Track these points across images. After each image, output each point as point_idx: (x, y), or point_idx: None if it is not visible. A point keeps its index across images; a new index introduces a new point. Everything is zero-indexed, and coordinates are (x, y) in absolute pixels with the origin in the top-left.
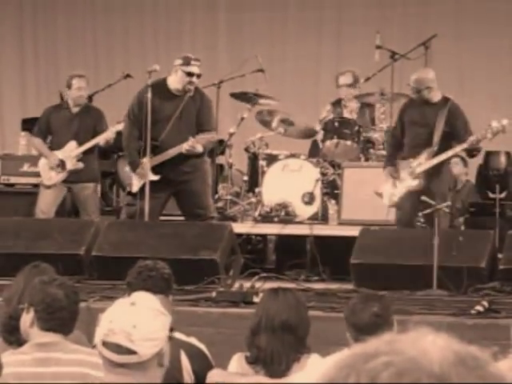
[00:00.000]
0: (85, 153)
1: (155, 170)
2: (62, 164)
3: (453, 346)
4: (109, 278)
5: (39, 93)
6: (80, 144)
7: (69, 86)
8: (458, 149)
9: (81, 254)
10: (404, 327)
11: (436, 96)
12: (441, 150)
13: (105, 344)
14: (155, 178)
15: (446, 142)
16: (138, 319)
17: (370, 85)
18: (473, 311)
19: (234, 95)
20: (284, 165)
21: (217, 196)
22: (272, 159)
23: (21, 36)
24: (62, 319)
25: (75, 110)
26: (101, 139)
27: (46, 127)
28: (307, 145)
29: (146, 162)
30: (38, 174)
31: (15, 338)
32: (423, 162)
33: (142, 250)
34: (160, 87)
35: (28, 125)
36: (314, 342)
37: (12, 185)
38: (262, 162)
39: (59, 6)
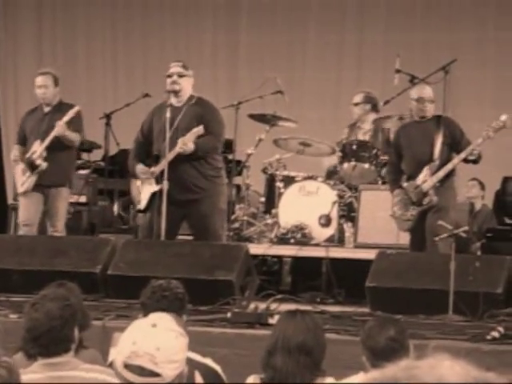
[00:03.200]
0: (56, 154)
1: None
2: (30, 166)
3: (471, 373)
4: (124, 297)
5: None
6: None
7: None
8: (463, 155)
9: (96, 272)
10: (420, 352)
11: (431, 112)
12: (443, 164)
13: (127, 366)
14: (159, 187)
15: (447, 155)
16: (161, 341)
17: (389, 108)
18: (488, 337)
19: (252, 116)
20: (301, 187)
21: (233, 217)
22: (289, 181)
23: (40, 54)
24: (47, 344)
25: (47, 109)
26: (54, 132)
27: (22, 133)
28: (324, 166)
29: (151, 173)
30: None
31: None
32: (428, 179)
33: (157, 270)
34: (163, 104)
35: None
36: (328, 364)
37: None
38: (279, 184)
39: (79, 26)
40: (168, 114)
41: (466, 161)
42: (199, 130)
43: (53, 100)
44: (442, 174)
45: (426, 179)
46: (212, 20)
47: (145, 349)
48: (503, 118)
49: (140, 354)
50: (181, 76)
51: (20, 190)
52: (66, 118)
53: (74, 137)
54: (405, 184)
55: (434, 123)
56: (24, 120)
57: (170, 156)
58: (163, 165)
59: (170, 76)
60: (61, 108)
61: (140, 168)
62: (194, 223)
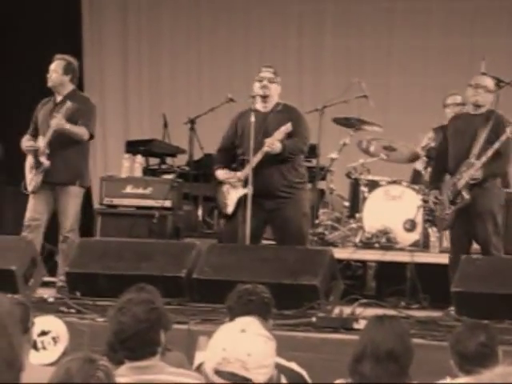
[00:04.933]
0: (61, 150)
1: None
2: (35, 164)
3: None
4: (209, 301)
5: (142, 115)
6: (56, 138)
7: None
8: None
9: (182, 276)
10: (509, 358)
11: (483, 106)
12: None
13: (218, 373)
14: (244, 192)
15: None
16: (251, 347)
17: None
18: None
19: (336, 120)
20: (385, 191)
21: (317, 221)
22: (373, 185)
23: (125, 58)
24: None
25: (58, 98)
26: (52, 127)
27: (34, 124)
28: (409, 171)
29: (237, 177)
30: (141, 196)
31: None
32: (462, 176)
33: (242, 274)
34: (247, 109)
35: (131, 147)
36: (413, 369)
37: (115, 206)
38: (363, 188)
39: (164, 31)
40: (252, 119)
41: None
42: (287, 127)
43: (60, 88)
44: (473, 172)
45: (460, 177)
46: (297, 25)
47: (235, 355)
48: None
49: (231, 361)
50: (271, 82)
51: (29, 187)
52: (64, 110)
53: (79, 131)
54: (445, 182)
55: (484, 118)
56: (38, 110)
57: (256, 158)
58: (249, 169)
59: (260, 80)
60: (72, 99)
61: (225, 173)
62: (278, 228)
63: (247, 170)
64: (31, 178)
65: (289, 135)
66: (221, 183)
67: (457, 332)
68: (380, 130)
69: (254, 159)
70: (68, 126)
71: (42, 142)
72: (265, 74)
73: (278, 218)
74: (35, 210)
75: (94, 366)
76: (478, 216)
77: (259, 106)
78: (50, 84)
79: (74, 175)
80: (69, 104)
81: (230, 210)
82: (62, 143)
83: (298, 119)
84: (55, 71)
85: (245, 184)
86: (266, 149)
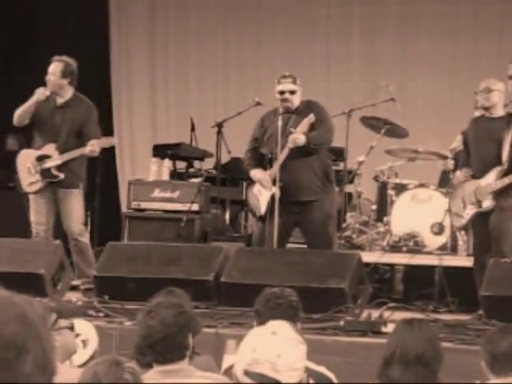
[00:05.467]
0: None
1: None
2: (42, 172)
3: None
4: (237, 305)
5: (169, 118)
6: (61, 144)
7: None
8: None
9: (210, 280)
10: None
11: (500, 109)
12: (510, 169)
13: (248, 374)
14: (273, 190)
15: None
16: (281, 349)
17: None
18: None
19: (364, 120)
20: (413, 194)
21: (345, 225)
22: (401, 189)
23: (152, 63)
24: (162, 351)
25: (60, 101)
26: (85, 152)
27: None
28: (437, 175)
29: (268, 175)
30: (169, 200)
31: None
32: (492, 182)
33: (270, 278)
34: (274, 110)
35: (159, 151)
36: (442, 373)
37: (143, 210)
38: (390, 192)
39: (191, 35)
40: (280, 123)
41: None
42: (310, 118)
43: (60, 91)
44: (507, 181)
45: (489, 182)
46: (324, 29)
47: (265, 356)
48: None
49: (261, 362)
50: (292, 93)
51: (26, 188)
52: (97, 144)
53: (99, 148)
54: (468, 182)
55: (505, 122)
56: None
57: (282, 155)
58: (276, 168)
59: (281, 93)
60: (75, 103)
61: (259, 172)
62: (307, 230)
63: (275, 170)
64: (32, 182)
65: (312, 127)
66: (251, 184)
67: (489, 333)
68: (407, 134)
69: (281, 156)
70: (97, 150)
71: (51, 151)
72: (285, 86)
73: (307, 220)
74: (40, 213)
75: (121, 368)
76: (501, 211)
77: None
78: (49, 89)
79: (76, 179)
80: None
81: (263, 210)
82: (67, 150)
83: (320, 111)
84: (53, 74)
85: (274, 182)
86: (290, 145)
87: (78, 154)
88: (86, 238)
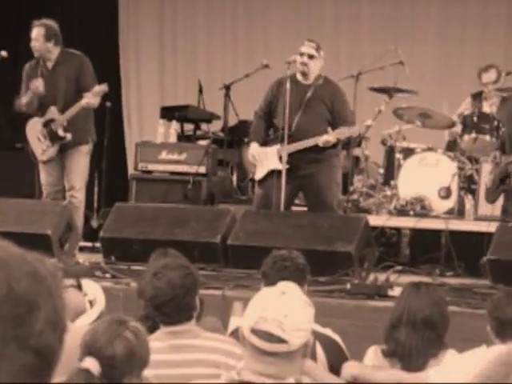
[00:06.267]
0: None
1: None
2: (51, 136)
3: None
4: (243, 267)
5: (177, 81)
6: (62, 105)
7: None
8: None
9: (216, 242)
10: None
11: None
12: None
13: (254, 331)
14: (280, 167)
15: None
16: (289, 309)
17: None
18: None
19: (372, 89)
20: (421, 158)
21: (352, 188)
22: (409, 152)
23: (160, 26)
24: (170, 313)
25: (50, 64)
26: (82, 105)
27: (26, 87)
28: (445, 139)
29: (277, 150)
30: (176, 162)
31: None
32: None
33: (276, 240)
34: (290, 78)
35: (166, 113)
36: (449, 337)
37: (150, 172)
38: (398, 155)
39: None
40: (288, 86)
41: None
42: (354, 132)
43: (47, 54)
44: None
45: None
46: None
47: (273, 315)
48: None
49: (268, 320)
50: (311, 57)
51: (41, 157)
52: (91, 95)
53: (97, 102)
54: (502, 158)
55: None
56: (27, 73)
57: (308, 143)
58: (294, 147)
59: (301, 54)
60: (64, 59)
61: (256, 149)
62: (311, 195)
63: (293, 148)
64: (44, 149)
65: (331, 112)
66: (248, 146)
67: (495, 298)
68: (416, 96)
69: (307, 143)
70: (93, 101)
71: (56, 114)
72: (306, 48)
73: (311, 186)
74: (51, 175)
75: (124, 326)
76: None
77: (300, 77)
78: (36, 55)
79: (84, 134)
80: (98, 88)
81: (258, 176)
82: (68, 108)
83: (341, 101)
84: (37, 40)
85: (280, 159)
86: (320, 144)
87: (77, 109)
88: (82, 197)
